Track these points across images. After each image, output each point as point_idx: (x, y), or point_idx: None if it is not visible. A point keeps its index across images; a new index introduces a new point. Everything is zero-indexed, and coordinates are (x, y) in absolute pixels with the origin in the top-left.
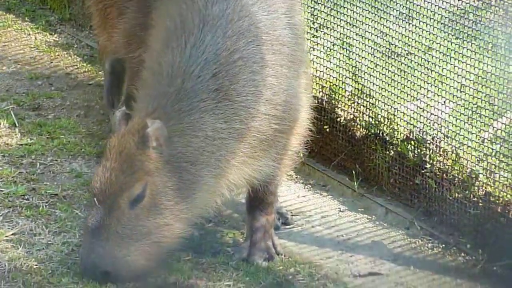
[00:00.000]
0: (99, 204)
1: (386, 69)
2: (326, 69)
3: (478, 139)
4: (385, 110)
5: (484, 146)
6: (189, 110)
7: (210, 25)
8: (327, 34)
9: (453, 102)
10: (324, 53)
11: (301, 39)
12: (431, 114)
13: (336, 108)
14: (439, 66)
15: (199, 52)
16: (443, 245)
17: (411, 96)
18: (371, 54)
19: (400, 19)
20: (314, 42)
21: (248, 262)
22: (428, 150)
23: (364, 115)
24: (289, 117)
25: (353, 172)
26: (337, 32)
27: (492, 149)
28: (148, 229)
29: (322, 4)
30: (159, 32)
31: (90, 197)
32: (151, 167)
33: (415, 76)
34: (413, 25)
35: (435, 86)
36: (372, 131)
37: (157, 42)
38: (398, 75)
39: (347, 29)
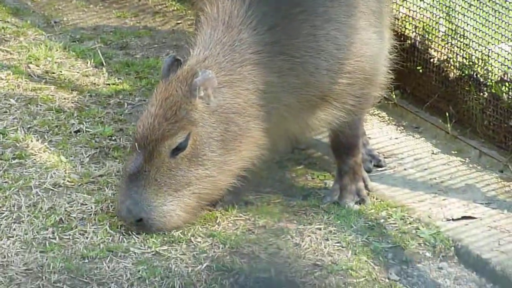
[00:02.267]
0: (139, 149)
1: (480, 9)
2: (419, 8)
3: None
4: (479, 51)
5: None
6: (241, 62)
7: None
8: None
9: None
10: None
11: None
12: None
13: (429, 49)
14: None
15: (260, 3)
16: None
17: (506, 36)
18: None
19: None
20: None
21: (339, 205)
22: None
23: (458, 56)
24: (358, 70)
25: (447, 114)
26: None
27: None
28: (188, 180)
29: None
30: None
31: (132, 141)
32: (196, 117)
33: (509, 17)
34: None
35: None
36: (466, 72)
37: None
38: (493, 15)
39: None
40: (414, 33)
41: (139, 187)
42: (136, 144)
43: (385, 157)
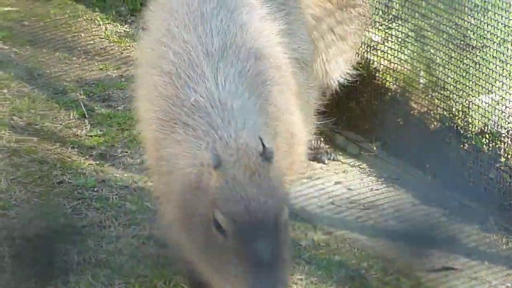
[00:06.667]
0: (264, 231)
1: (460, 61)
2: (400, 61)
3: None
4: (459, 103)
5: None
6: None
7: None
8: (401, 26)
9: None
10: (397, 44)
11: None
12: (506, 107)
13: (409, 101)
14: None
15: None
16: None
17: (486, 88)
18: (445, 46)
19: (475, 10)
20: (388, 33)
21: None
22: (503, 143)
23: (438, 108)
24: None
25: (427, 165)
26: (411, 23)
27: None
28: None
29: None
30: None
31: (247, 225)
32: None
33: (489, 69)
34: (488, 16)
35: (510, 79)
36: (446, 124)
37: None
38: (473, 68)
39: (421, 21)
40: (395, 85)
41: (278, 269)
42: (257, 226)
43: (366, 208)
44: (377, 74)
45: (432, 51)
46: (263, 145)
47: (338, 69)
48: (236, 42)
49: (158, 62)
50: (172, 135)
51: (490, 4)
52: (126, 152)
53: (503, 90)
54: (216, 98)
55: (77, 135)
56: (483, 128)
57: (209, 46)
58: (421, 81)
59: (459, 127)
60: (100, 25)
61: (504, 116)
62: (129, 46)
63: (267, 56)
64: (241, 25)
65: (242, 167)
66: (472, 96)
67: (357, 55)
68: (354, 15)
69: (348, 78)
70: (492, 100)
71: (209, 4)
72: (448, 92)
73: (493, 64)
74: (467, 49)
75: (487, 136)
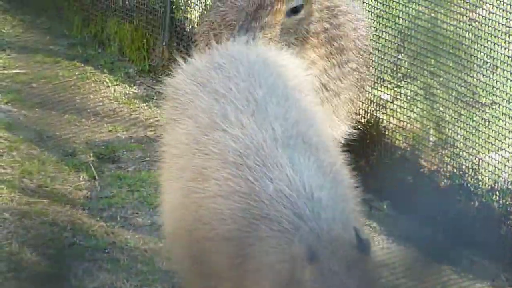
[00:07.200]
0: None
1: (470, 118)
2: (409, 119)
3: None
4: (469, 161)
5: None
6: None
7: None
8: (410, 84)
9: None
10: (407, 103)
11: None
12: None
13: (419, 159)
14: None
15: None
16: None
17: (496, 146)
18: (455, 104)
19: (484, 68)
20: (397, 92)
21: None
22: None
23: (448, 166)
24: None
25: (437, 223)
26: (420, 81)
27: None
28: None
29: (404, 54)
30: None
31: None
32: None
33: (499, 126)
34: (497, 74)
35: None
36: (456, 182)
37: None
38: (482, 125)
39: (430, 79)
40: (404, 144)
41: None
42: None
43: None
44: (386, 133)
45: (441, 108)
46: (359, 236)
47: (333, 126)
48: (299, 132)
49: (215, 148)
50: (254, 232)
51: (499, 61)
52: (137, 213)
53: None
54: (301, 187)
55: (88, 197)
56: (493, 185)
57: (273, 133)
58: (431, 139)
59: (469, 185)
60: (108, 86)
61: None
62: (138, 107)
63: (330, 147)
64: (299, 114)
65: (338, 260)
66: (482, 153)
67: (359, 113)
68: (347, 71)
69: (345, 137)
70: (502, 157)
71: (260, 90)
72: (457, 149)
73: (503, 121)
74: (477, 106)
75: (497, 193)
